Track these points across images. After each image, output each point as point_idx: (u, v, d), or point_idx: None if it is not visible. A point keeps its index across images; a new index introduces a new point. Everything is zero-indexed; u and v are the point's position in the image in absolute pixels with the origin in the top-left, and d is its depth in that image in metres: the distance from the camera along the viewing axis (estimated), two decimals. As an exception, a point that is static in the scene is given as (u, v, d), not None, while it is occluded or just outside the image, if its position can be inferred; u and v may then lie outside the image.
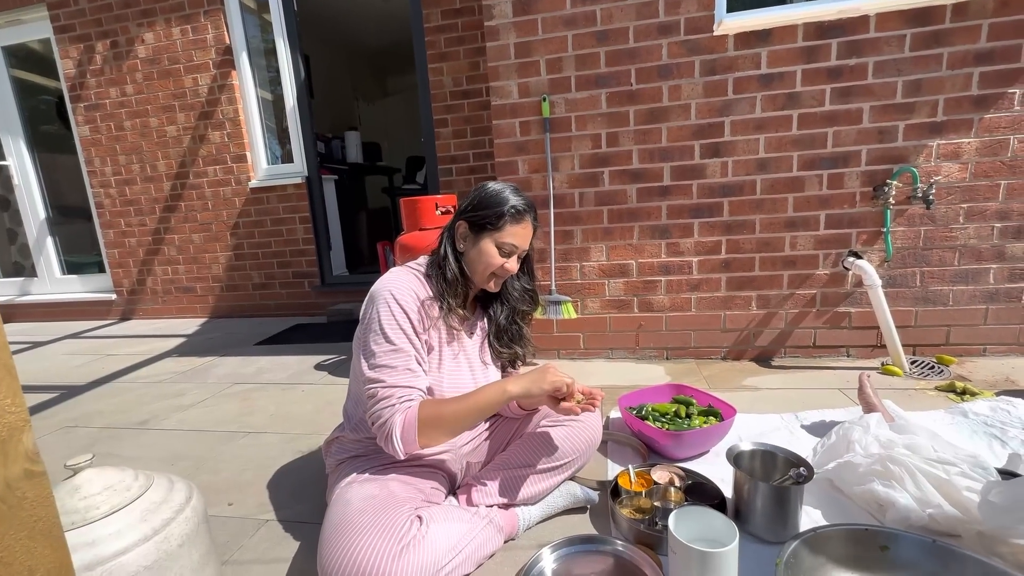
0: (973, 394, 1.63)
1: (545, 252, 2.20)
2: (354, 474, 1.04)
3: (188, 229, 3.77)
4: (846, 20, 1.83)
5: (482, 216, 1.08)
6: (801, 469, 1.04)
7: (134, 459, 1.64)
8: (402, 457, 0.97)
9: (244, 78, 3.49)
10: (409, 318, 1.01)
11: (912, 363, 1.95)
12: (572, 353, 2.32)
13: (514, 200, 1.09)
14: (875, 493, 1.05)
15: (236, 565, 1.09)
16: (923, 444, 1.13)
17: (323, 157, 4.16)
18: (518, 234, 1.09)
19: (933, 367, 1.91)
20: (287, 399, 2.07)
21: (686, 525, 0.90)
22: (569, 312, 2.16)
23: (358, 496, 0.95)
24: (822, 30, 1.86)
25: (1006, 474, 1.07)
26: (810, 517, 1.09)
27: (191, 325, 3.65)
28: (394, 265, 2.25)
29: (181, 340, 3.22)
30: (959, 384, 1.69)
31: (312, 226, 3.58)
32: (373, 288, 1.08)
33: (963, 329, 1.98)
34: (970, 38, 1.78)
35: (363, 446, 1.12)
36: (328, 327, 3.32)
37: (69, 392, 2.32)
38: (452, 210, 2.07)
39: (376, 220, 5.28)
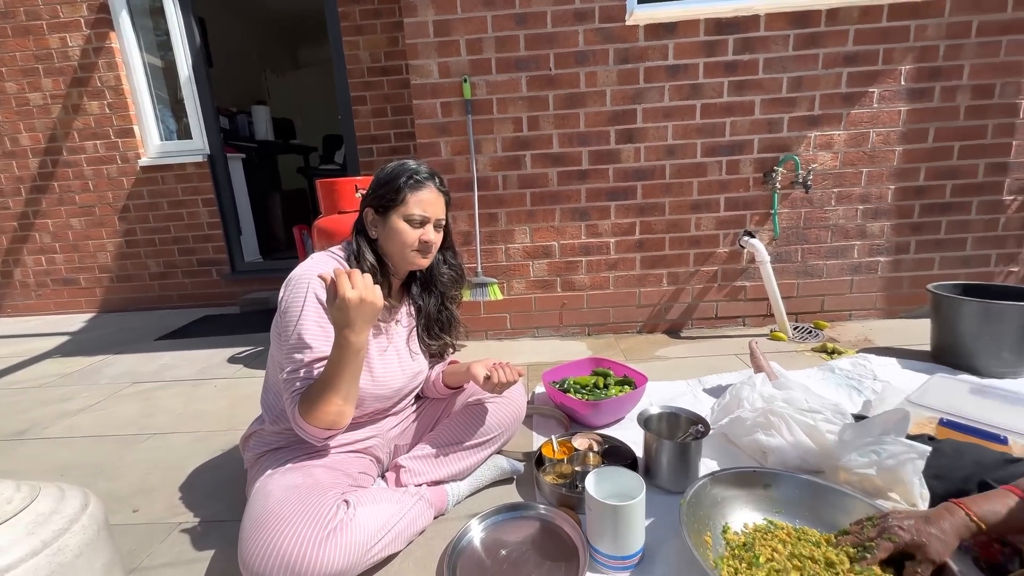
0: (840, 353, 1.91)
1: (470, 235, 2.21)
2: (276, 465, 1.01)
3: (65, 213, 3.31)
4: (741, 18, 2.00)
5: (383, 195, 1.06)
6: (699, 426, 1.17)
7: (14, 473, 1.45)
8: (319, 445, 0.96)
9: (126, 41, 3.09)
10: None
11: (794, 328, 2.22)
12: (499, 333, 2.38)
13: (411, 169, 1.06)
14: (759, 442, 1.20)
15: (147, 571, 1.03)
16: (798, 397, 1.31)
17: (227, 133, 3.82)
18: (424, 200, 1.05)
19: (811, 331, 2.20)
20: (197, 396, 1.93)
21: (601, 484, 0.99)
22: (495, 294, 2.20)
23: (280, 486, 0.93)
24: (720, 26, 2.01)
25: (859, 418, 1.27)
26: (707, 467, 1.24)
27: (75, 321, 3.25)
28: (313, 251, 2.15)
29: (64, 339, 2.86)
30: (829, 345, 1.97)
31: (218, 209, 3.29)
32: (293, 273, 1.03)
33: (834, 298, 2.29)
34: (840, 41, 2.01)
35: (284, 438, 1.08)
36: (242, 317, 3.11)
37: (-81, 404, 2.00)
38: (373, 192, 2.02)
39: (292, 202, 4.95)
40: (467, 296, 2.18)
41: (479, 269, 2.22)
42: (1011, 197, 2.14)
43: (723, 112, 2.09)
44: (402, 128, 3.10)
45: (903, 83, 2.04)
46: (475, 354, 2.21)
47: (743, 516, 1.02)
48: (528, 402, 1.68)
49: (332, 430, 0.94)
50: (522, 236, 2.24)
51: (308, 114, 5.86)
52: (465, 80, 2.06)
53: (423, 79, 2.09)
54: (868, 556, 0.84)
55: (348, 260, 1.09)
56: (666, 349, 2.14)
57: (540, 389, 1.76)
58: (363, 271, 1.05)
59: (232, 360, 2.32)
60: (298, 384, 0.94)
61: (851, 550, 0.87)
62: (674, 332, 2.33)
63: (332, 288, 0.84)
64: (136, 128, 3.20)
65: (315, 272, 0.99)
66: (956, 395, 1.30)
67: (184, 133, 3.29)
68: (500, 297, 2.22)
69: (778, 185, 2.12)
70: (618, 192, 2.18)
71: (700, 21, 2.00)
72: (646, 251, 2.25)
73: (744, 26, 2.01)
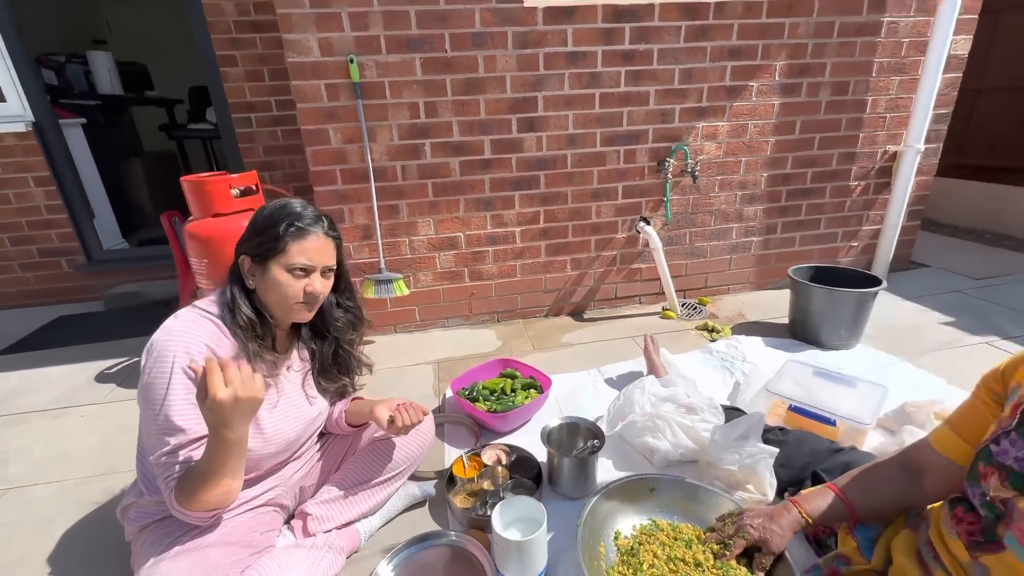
0: (718, 332, 2.14)
1: (370, 228, 2.09)
2: (163, 546, 0.93)
3: None
4: (637, 6, 1.99)
5: (260, 243, 0.96)
6: (595, 441, 1.27)
7: None
8: (206, 525, 0.91)
9: None
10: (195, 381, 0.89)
11: (683, 305, 2.44)
12: (408, 326, 2.34)
13: (293, 215, 0.97)
14: (647, 444, 1.35)
15: (17, 675, 0.93)
16: (680, 393, 1.47)
17: (56, 91, 3.14)
18: (308, 250, 0.97)
19: (696, 307, 2.44)
20: (59, 431, 1.70)
21: (506, 513, 1.05)
22: (401, 289, 2.13)
23: (174, 570, 0.87)
24: (618, 13, 1.99)
25: (728, 408, 1.46)
26: (604, 467, 1.37)
27: None
28: (184, 244, 1.91)
29: None
30: (710, 324, 2.20)
31: (57, 189, 2.75)
32: (155, 338, 0.91)
33: (716, 275, 2.54)
34: (726, 35, 2.10)
35: (166, 508, 1.00)
36: (108, 316, 2.73)
37: None
38: (256, 189, 1.81)
39: (157, 167, 4.25)
40: (371, 294, 2.10)
41: (382, 265, 2.13)
42: (856, 182, 2.47)
43: (621, 102, 2.12)
44: (284, 95, 2.74)
45: (777, 78, 2.20)
46: (383, 350, 2.16)
47: (632, 519, 1.16)
48: (438, 409, 1.71)
49: (219, 509, 0.89)
50: (426, 228, 2.17)
51: (166, 54, 4.93)
52: (352, 60, 1.85)
53: (301, 56, 1.85)
54: (727, 552, 1.00)
55: (222, 315, 0.98)
56: (571, 334, 2.25)
57: (450, 393, 1.78)
58: (239, 324, 0.96)
59: (101, 378, 2.04)
60: (176, 469, 0.86)
61: (715, 547, 1.03)
62: (578, 314, 2.45)
63: (202, 384, 0.76)
64: (-80, 86, 2.50)
65: (180, 344, 0.88)
66: (802, 380, 1.53)
67: (-7, 93, 2.64)
68: (407, 292, 2.16)
69: (670, 174, 2.24)
70: (522, 182, 2.17)
71: (598, 7, 1.96)
72: (550, 239, 2.29)
73: (640, 15, 2.00)
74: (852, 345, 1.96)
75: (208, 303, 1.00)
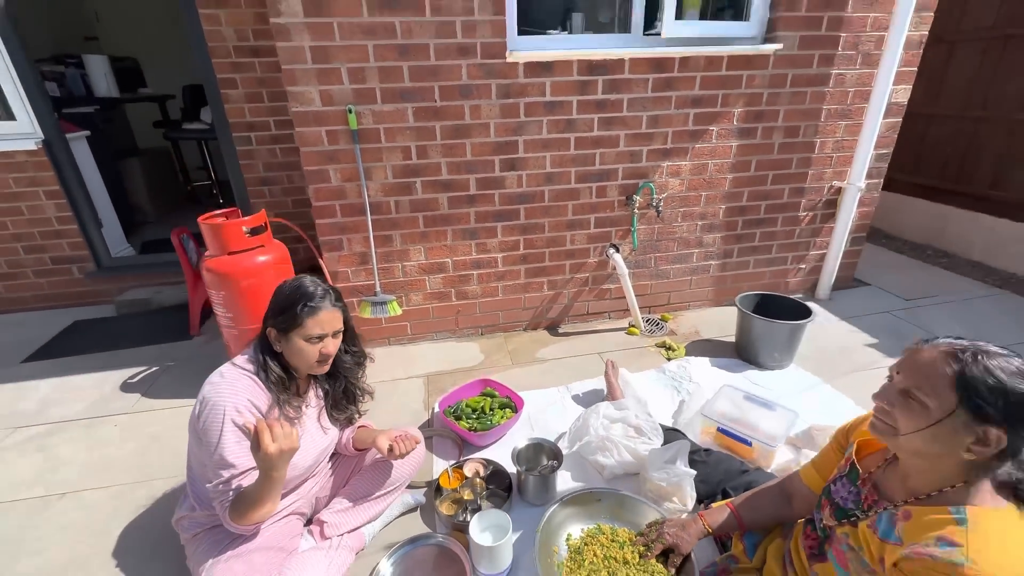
0: (674, 349, 2.45)
1: (367, 255, 2.33)
2: (219, 547, 1.22)
3: None
4: (609, 61, 2.20)
5: (283, 321, 1.21)
6: (554, 462, 1.58)
7: (-86, 561, 1.47)
8: (250, 534, 1.19)
9: None
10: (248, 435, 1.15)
11: (646, 321, 2.74)
12: (401, 339, 2.61)
13: (306, 295, 1.21)
14: (598, 461, 1.66)
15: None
16: (630, 415, 1.77)
17: (59, 101, 3.25)
18: (322, 323, 1.22)
19: (658, 323, 2.73)
20: (98, 440, 1.96)
21: (481, 521, 1.36)
22: (394, 310, 2.39)
23: (228, 574, 1.16)
24: (591, 67, 2.20)
25: (669, 430, 1.77)
26: (563, 478, 1.68)
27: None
28: (196, 260, 2.17)
29: None
30: (668, 341, 2.50)
31: (67, 202, 2.92)
32: (207, 394, 1.17)
33: (677, 293, 2.83)
34: (689, 86, 2.32)
35: (215, 519, 1.28)
36: (120, 322, 2.95)
37: None
38: (266, 226, 2.03)
39: (153, 165, 4.38)
40: (368, 314, 2.35)
41: (378, 288, 2.38)
42: (804, 213, 2.75)
43: (593, 144, 2.35)
44: (282, 115, 2.91)
45: (735, 123, 2.44)
46: (378, 362, 2.41)
47: (581, 523, 1.47)
48: (428, 423, 2.01)
49: (261, 523, 1.17)
50: (417, 255, 2.41)
51: (157, 48, 4.95)
52: (350, 110, 2.05)
53: (304, 106, 2.04)
54: (648, 553, 1.32)
55: (257, 372, 1.24)
56: (546, 349, 2.54)
57: (438, 409, 2.07)
58: (272, 381, 1.23)
59: (126, 387, 2.29)
60: (230, 495, 1.14)
61: (641, 548, 1.35)
62: (553, 328, 2.74)
63: (255, 440, 1.03)
64: (-68, 105, 2.63)
65: (229, 400, 1.15)
66: (732, 404, 1.85)
67: (1, 112, 2.77)
68: (399, 312, 2.41)
69: (636, 208, 2.49)
70: (503, 214, 2.41)
71: (574, 62, 2.17)
72: (529, 263, 2.55)
73: (612, 68, 2.21)
74: (785, 366, 2.28)
75: (244, 362, 1.26)
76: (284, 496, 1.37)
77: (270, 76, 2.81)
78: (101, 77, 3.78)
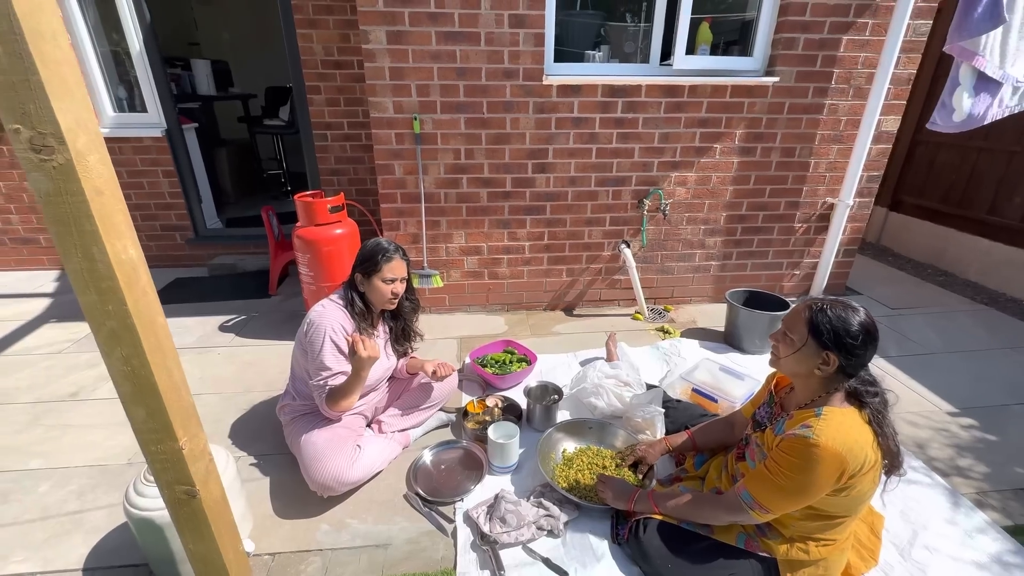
0: (670, 333, 2.85)
1: (419, 236, 2.85)
2: (311, 426, 1.73)
3: (18, 176, 3.45)
4: (628, 86, 2.64)
5: (367, 267, 1.71)
6: (556, 396, 2.03)
7: (92, 427, 2.06)
8: (335, 419, 1.70)
9: (73, 21, 3.12)
10: (340, 348, 1.65)
11: (651, 310, 3.15)
12: (440, 309, 3.11)
13: (383, 249, 1.70)
14: (592, 403, 2.10)
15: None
16: (622, 373, 2.21)
17: (175, 98, 3.93)
18: (394, 268, 1.71)
19: (661, 312, 3.14)
20: (207, 363, 2.54)
21: (496, 431, 1.83)
22: (437, 282, 2.90)
23: (320, 439, 1.66)
24: (613, 90, 2.65)
25: (652, 386, 2.19)
26: (562, 414, 2.12)
27: (43, 280, 3.54)
28: (279, 233, 2.74)
29: (47, 301, 3.21)
30: (667, 327, 2.91)
31: (179, 180, 3.58)
32: (312, 316, 1.68)
33: (680, 288, 3.23)
34: (697, 109, 2.74)
35: (309, 407, 1.80)
36: (212, 282, 3.57)
37: (-41, 369, 2.43)
38: (343, 207, 2.57)
39: (236, 155, 5.09)
40: (416, 284, 2.87)
41: (425, 263, 2.89)
42: (799, 224, 3.10)
43: (612, 155, 2.80)
44: (354, 118, 3.48)
45: (737, 143, 2.84)
46: (421, 326, 2.94)
47: (575, 443, 1.92)
48: (459, 370, 2.49)
49: (346, 411, 1.68)
50: (459, 239, 2.91)
51: (241, 52, 5.69)
52: (415, 118, 2.58)
53: (380, 114, 2.58)
54: (622, 462, 1.76)
55: (346, 306, 1.75)
56: (561, 325, 2.99)
57: (468, 360, 2.55)
58: (356, 312, 1.74)
59: (223, 329, 2.88)
60: (327, 389, 1.64)
61: (617, 459, 1.79)
62: (569, 310, 3.18)
63: (352, 347, 1.53)
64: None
65: (327, 322, 1.66)
66: (709, 373, 2.25)
67: (136, 104, 3.45)
68: (441, 284, 2.92)
69: (646, 211, 2.92)
70: (532, 209, 2.88)
71: (598, 86, 2.63)
72: (552, 252, 3.01)
73: (630, 92, 2.66)
74: (764, 352, 2.65)
75: (337, 298, 1.77)
76: (360, 398, 1.87)
77: (348, 85, 3.39)
78: (204, 78, 4.50)
